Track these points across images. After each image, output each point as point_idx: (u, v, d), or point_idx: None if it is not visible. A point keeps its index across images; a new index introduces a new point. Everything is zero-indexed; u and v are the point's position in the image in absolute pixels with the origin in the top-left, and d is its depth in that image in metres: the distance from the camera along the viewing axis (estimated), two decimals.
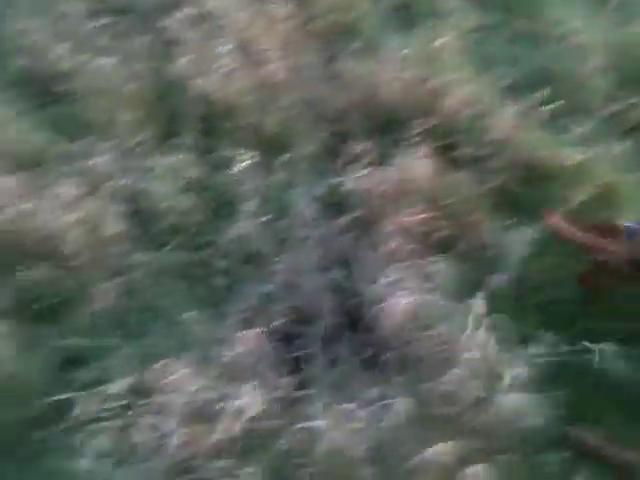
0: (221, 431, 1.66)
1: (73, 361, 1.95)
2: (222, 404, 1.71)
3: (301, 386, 1.93)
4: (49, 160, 2.55)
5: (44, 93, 2.81)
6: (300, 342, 2.08)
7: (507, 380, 1.80)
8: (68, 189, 2.32)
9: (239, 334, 2.03)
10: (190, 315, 2.09)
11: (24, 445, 1.70)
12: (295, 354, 2.03)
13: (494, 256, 2.31)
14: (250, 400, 1.75)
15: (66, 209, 2.23)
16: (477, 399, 1.80)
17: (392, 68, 3.24)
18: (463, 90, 3.10)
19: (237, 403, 1.71)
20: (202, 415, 1.70)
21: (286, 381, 1.92)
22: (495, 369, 1.84)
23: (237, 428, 1.70)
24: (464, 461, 1.77)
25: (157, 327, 2.07)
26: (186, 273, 2.27)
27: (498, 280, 2.17)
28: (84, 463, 1.59)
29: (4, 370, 1.81)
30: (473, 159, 2.73)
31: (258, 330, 2.08)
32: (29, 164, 2.55)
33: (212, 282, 2.27)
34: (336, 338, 2.08)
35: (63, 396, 1.74)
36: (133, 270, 2.22)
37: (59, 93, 2.81)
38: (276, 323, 2.16)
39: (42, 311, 2.07)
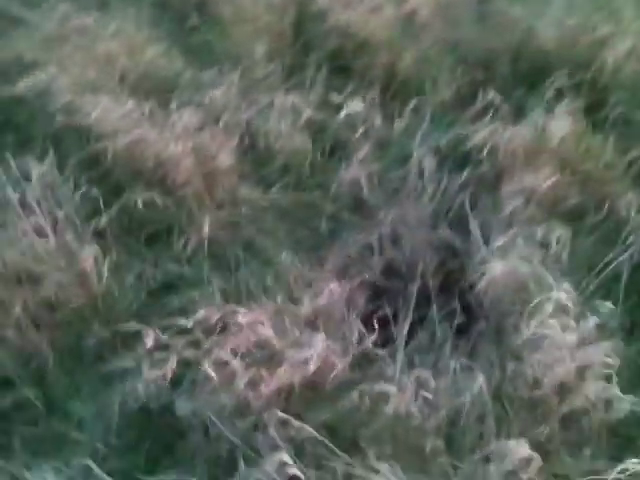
0: (286, 377, 1.63)
1: (165, 288, 2.00)
2: (294, 351, 1.67)
3: (382, 344, 1.84)
4: (176, 87, 2.60)
5: (183, 19, 2.86)
6: (391, 298, 1.99)
7: (601, 370, 1.61)
8: (188, 118, 2.34)
9: (330, 282, 1.96)
10: (286, 257, 2.06)
11: (102, 363, 1.77)
12: (383, 311, 1.94)
13: (625, 234, 2.04)
14: (323, 351, 1.70)
15: (183, 138, 2.26)
16: (566, 385, 1.63)
17: (552, 12, 2.97)
18: (630, 43, 2.78)
19: (309, 352, 1.66)
20: (273, 359, 1.68)
21: (368, 337, 1.85)
22: (591, 356, 1.65)
23: (304, 376, 1.66)
24: (545, 451, 1.63)
25: (252, 264, 2.06)
26: (290, 214, 2.25)
27: (621, 261, 1.92)
28: (151, 388, 1.63)
29: (98, 287, 1.90)
30: (623, 122, 2.44)
31: (351, 280, 2.02)
32: (157, 90, 2.61)
33: (315, 226, 2.23)
34: (430, 300, 1.96)
35: (147, 321, 1.78)
36: (238, 205, 2.22)
37: (198, 20, 2.85)
38: (371, 275, 2.10)
39: (144, 235, 2.14)
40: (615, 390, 1.59)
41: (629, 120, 2.46)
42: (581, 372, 1.64)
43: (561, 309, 1.71)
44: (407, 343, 1.87)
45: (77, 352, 1.86)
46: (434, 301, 1.97)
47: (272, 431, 1.51)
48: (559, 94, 2.49)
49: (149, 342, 1.62)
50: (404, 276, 2.08)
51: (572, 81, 2.56)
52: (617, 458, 1.58)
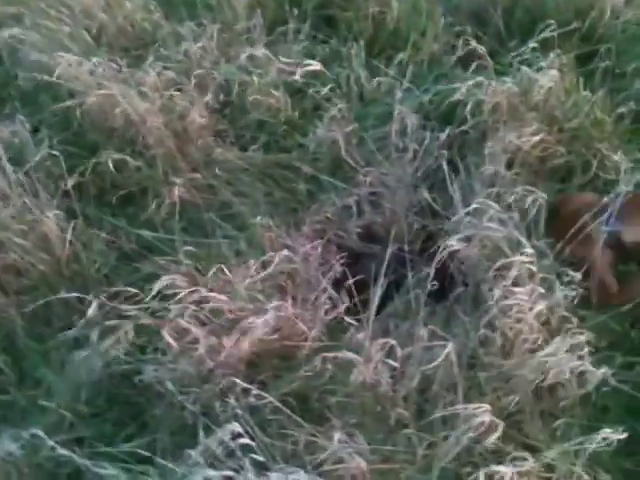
0: (250, 345, 1.59)
1: (137, 252, 1.94)
2: (258, 318, 1.63)
3: (356, 310, 1.80)
4: (153, 42, 2.51)
5: None
6: (368, 263, 1.94)
7: (572, 340, 1.56)
8: (161, 74, 2.26)
9: (305, 246, 1.92)
10: (262, 220, 2.00)
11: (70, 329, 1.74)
12: (359, 276, 1.89)
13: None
14: (290, 318, 1.66)
15: (154, 95, 2.18)
16: (537, 355, 1.59)
17: None
18: None
19: (272, 320, 1.63)
20: (236, 327, 1.64)
21: (340, 303, 1.81)
22: (562, 325, 1.61)
23: (271, 344, 1.63)
24: (515, 421, 1.60)
25: (226, 228, 2.01)
26: (267, 175, 2.18)
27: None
28: (113, 356, 1.61)
29: (63, 252, 1.86)
30: (613, 74, 2.33)
31: (327, 244, 1.97)
32: (133, 45, 2.53)
33: (292, 188, 2.16)
34: (406, 264, 1.91)
35: (115, 286, 1.75)
36: (213, 166, 2.16)
37: None
38: (348, 239, 2.05)
39: (115, 198, 2.08)
40: (587, 361, 1.55)
41: (620, 73, 2.35)
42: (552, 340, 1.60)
43: (533, 274, 1.66)
44: (383, 309, 1.84)
45: (45, 318, 1.83)
46: (411, 266, 1.92)
47: (232, 401, 1.48)
48: (550, 46, 2.38)
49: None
50: (382, 239, 2.03)
51: (564, 29, 2.44)
52: (590, 429, 1.55)
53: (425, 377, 1.63)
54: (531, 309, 1.59)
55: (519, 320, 1.60)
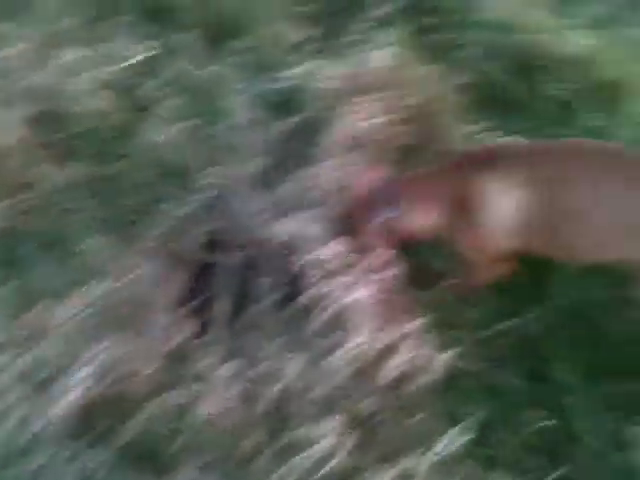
0: (76, 398, 1.42)
1: None
2: (85, 366, 1.45)
3: (203, 331, 1.66)
4: None
5: None
6: (214, 275, 1.78)
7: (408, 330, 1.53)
8: None
9: (140, 265, 1.74)
10: (91, 243, 1.80)
11: None
12: (205, 289, 1.74)
13: None
14: (123, 358, 1.50)
15: None
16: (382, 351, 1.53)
17: None
18: None
19: (101, 363, 1.45)
20: (62, 378, 1.46)
21: (181, 327, 1.65)
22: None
23: (103, 391, 1.46)
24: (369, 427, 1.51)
25: (51, 258, 1.79)
26: (93, 190, 1.96)
27: None
28: None
29: None
30: (454, 46, 2.27)
31: (167, 259, 1.80)
32: None
33: (123, 201, 1.96)
34: (251, 274, 1.77)
35: None
36: (29, 186, 1.92)
37: None
38: (190, 250, 1.88)
39: None
40: (429, 346, 1.51)
41: (460, 44, 2.29)
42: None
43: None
44: (232, 325, 1.70)
45: None
46: (259, 274, 1.79)
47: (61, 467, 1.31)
48: (388, 22, 2.29)
49: None
50: (228, 247, 1.88)
51: (398, 4, 2.36)
52: (451, 417, 1.50)
53: (279, 395, 1.53)
54: (363, 302, 1.55)
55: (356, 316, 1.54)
